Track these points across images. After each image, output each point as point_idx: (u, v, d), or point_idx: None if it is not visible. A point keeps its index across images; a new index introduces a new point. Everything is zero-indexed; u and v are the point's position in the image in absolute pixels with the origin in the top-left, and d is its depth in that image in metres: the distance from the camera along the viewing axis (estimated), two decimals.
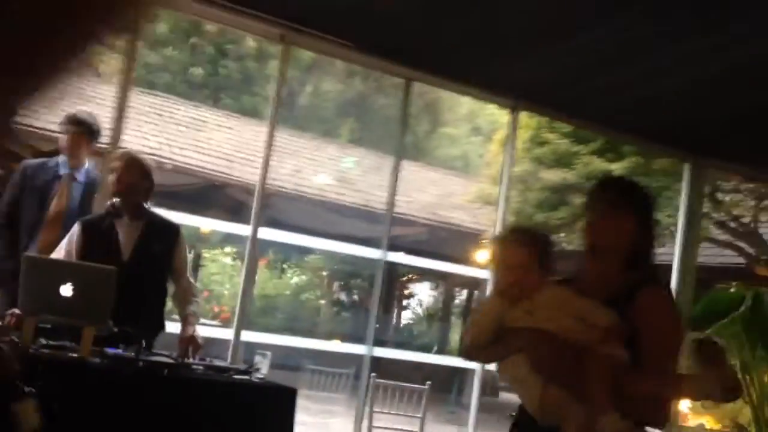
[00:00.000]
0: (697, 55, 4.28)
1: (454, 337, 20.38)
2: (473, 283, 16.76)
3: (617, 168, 10.42)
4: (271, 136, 4.77)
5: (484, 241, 11.50)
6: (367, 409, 5.67)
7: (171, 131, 12.12)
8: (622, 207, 2.35)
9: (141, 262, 3.71)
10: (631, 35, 4.17)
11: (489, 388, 15.93)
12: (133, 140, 10.30)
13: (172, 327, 3.81)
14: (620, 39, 4.24)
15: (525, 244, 2.29)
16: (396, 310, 19.46)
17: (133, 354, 3.14)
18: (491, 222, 9.37)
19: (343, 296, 17.24)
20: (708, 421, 7.97)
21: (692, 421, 7.52)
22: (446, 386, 11.44)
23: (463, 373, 11.64)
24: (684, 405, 6.87)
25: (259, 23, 4.59)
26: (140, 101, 12.15)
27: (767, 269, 10.11)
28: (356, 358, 6.85)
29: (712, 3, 3.64)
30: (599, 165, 10.47)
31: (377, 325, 5.53)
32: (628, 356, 2.17)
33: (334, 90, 21.34)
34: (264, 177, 4.77)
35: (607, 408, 2.08)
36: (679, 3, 3.70)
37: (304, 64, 19.00)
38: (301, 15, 4.52)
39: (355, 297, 16.55)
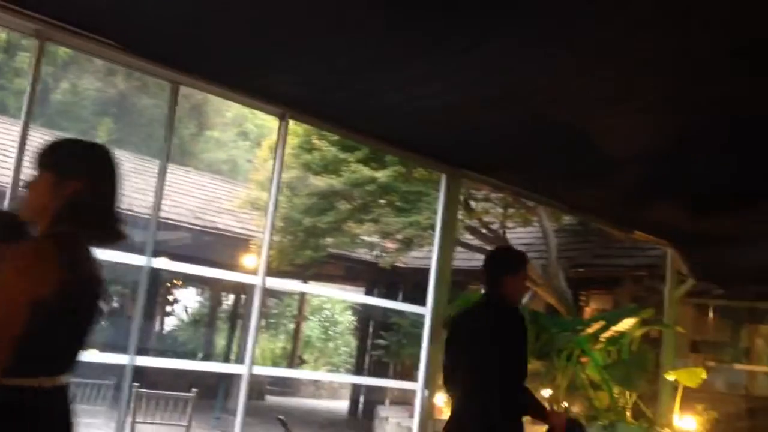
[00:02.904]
0: (454, 74, 4.61)
1: (221, 342, 20.14)
2: (240, 288, 16.67)
3: (381, 175, 10.90)
4: (24, 134, 4.47)
5: (252, 246, 11.51)
6: (129, 419, 5.48)
7: None
8: (37, 171, 2.30)
9: None
10: (394, 54, 4.41)
11: (255, 392, 15.92)
12: None
13: None
14: (383, 56, 4.47)
15: None
16: (159, 317, 18.87)
17: None
18: (260, 227, 9.40)
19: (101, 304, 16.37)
20: None
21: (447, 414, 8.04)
22: (213, 392, 11.29)
23: (229, 378, 11.53)
24: (440, 399, 7.33)
25: (12, 16, 4.29)
26: None
27: None
28: (117, 368, 6.56)
29: (467, 30, 3.95)
30: (365, 172, 10.89)
31: (140, 333, 5.35)
32: None
33: (93, 88, 20.25)
34: (16, 178, 4.46)
35: None
36: (432, 24, 3.97)
37: (59, 59, 17.87)
38: (60, 10, 4.29)
39: (115, 304, 15.83)
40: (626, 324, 7.25)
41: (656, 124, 5.16)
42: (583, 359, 7.16)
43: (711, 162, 5.71)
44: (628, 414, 7.33)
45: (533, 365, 7.31)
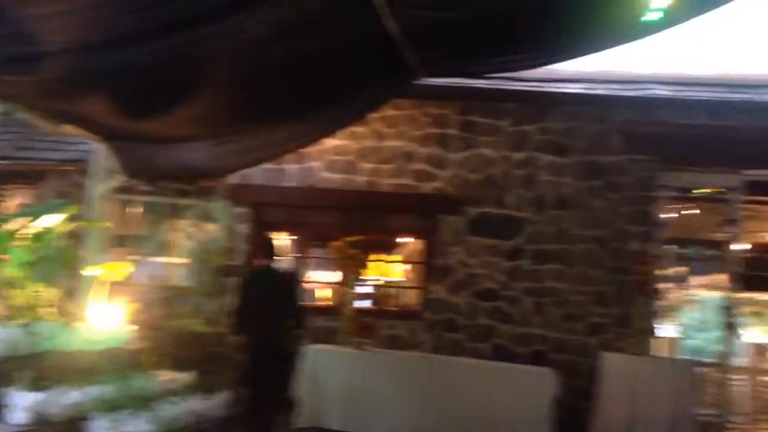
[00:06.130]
0: None
1: None
2: None
3: None
4: None
5: None
6: None
7: None
8: None
9: None
10: None
11: None
12: None
13: None
14: None
15: None
16: None
17: None
18: None
19: None
20: None
21: None
22: None
23: None
24: None
25: None
26: None
27: None
28: None
29: None
30: None
31: None
32: None
33: None
34: None
35: None
36: None
37: None
38: None
39: None
40: (53, 220, 7.13)
41: (85, 19, 5.10)
42: (4, 257, 6.86)
43: (132, 63, 5.81)
44: (52, 311, 7.28)
45: None
